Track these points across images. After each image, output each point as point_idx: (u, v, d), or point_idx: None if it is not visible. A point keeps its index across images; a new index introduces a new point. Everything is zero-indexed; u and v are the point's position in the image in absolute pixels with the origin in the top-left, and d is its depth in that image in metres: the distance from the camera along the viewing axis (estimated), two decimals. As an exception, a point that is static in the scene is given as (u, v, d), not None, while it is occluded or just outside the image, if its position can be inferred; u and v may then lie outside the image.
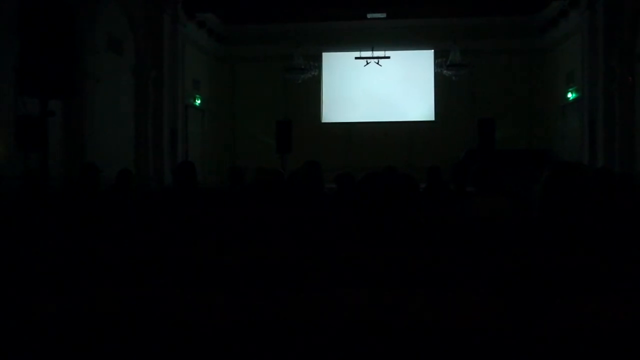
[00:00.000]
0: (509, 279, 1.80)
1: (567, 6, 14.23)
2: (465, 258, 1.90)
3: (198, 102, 16.00)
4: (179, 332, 1.39)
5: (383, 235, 2.43)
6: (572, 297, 1.46)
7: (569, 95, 14.87)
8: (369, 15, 16.46)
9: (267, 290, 1.77)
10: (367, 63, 16.05)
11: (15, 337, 1.41)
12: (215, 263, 1.99)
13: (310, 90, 17.30)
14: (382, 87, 17.31)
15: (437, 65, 16.81)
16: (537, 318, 1.32)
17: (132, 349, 1.39)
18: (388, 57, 15.91)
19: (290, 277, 1.89)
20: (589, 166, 11.40)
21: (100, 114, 10.56)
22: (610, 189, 4.67)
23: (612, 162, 11.66)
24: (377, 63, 15.99)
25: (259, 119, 16.97)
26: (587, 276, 1.76)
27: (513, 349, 1.27)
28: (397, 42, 16.56)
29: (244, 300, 1.49)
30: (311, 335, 1.33)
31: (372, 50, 15.92)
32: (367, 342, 1.31)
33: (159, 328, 1.41)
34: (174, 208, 3.78)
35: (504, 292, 1.75)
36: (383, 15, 16.45)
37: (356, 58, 16.17)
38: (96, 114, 10.38)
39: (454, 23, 16.09)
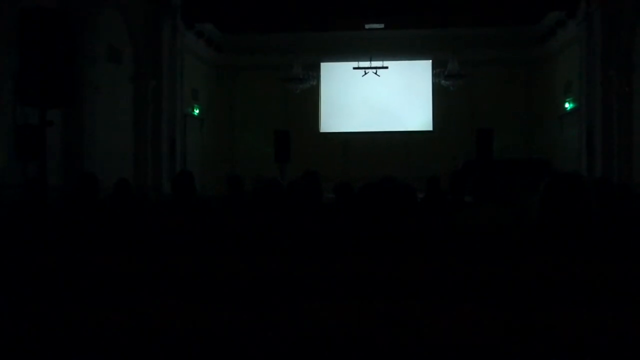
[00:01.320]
0: (508, 289, 1.80)
1: (565, 17, 14.31)
2: (464, 268, 1.90)
3: (197, 111, 16.02)
4: (176, 340, 1.39)
5: (382, 245, 2.43)
6: (572, 306, 1.46)
7: (567, 105, 14.91)
8: (367, 26, 16.52)
9: (265, 300, 1.76)
10: (365, 73, 16.09)
11: (12, 345, 1.41)
12: (214, 272, 1.99)
13: (309, 100, 17.33)
14: (380, 97, 17.35)
15: (435, 75, 16.85)
16: (536, 327, 1.32)
17: (130, 356, 1.39)
18: (386, 67, 15.96)
19: (288, 287, 1.89)
20: (587, 176, 11.44)
21: (99, 123, 10.56)
22: (608, 198, 4.67)
23: (610, 171, 11.67)
24: (375, 73, 16.03)
25: (257, 128, 17.00)
26: (586, 285, 1.76)
27: (513, 357, 1.27)
28: (395, 52, 16.62)
29: (242, 310, 1.49)
30: (309, 345, 1.33)
31: (370, 60, 15.97)
32: (366, 352, 1.31)
33: (157, 337, 1.40)
34: (173, 218, 3.78)
35: (503, 302, 1.75)
36: (381, 25, 16.51)
37: (354, 68, 16.22)
38: (95, 123, 10.38)
39: (452, 33, 16.15)
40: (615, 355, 1.26)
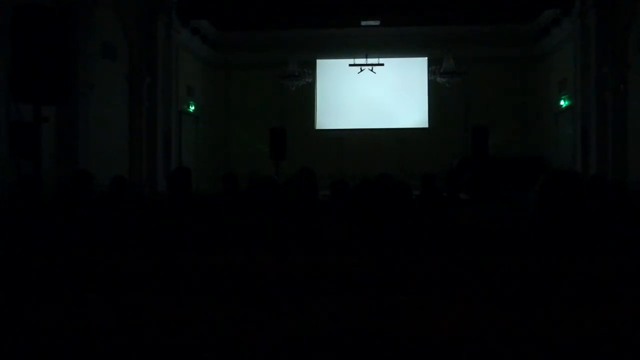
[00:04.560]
0: (503, 286, 1.80)
1: (560, 15, 14.35)
2: (459, 265, 1.90)
3: (192, 108, 15.98)
4: (171, 337, 1.38)
5: (377, 243, 2.43)
6: (567, 303, 1.46)
7: (562, 102, 14.95)
8: (363, 23, 16.52)
9: (260, 297, 1.76)
10: (361, 70, 16.09)
11: (9, 343, 1.40)
12: (209, 270, 1.98)
13: (304, 97, 17.31)
14: (376, 94, 17.35)
15: (431, 72, 16.87)
16: (531, 323, 1.32)
17: (125, 354, 1.38)
18: (382, 65, 15.96)
19: (284, 285, 1.89)
20: (582, 173, 11.47)
21: (93, 120, 10.53)
22: (603, 196, 4.69)
23: (605, 169, 11.71)
24: (371, 70, 16.03)
25: (253, 125, 16.99)
26: (581, 282, 1.77)
27: (507, 355, 1.27)
28: (391, 49, 16.62)
29: (238, 308, 1.49)
30: (303, 343, 1.33)
31: (366, 57, 15.96)
32: (361, 348, 1.31)
33: (153, 334, 1.40)
34: (169, 215, 3.77)
35: (498, 299, 1.75)
36: (377, 22, 16.51)
37: (350, 65, 16.21)
38: (90, 120, 10.34)
39: (448, 31, 16.19)
40: (611, 351, 1.26)
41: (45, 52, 4.72)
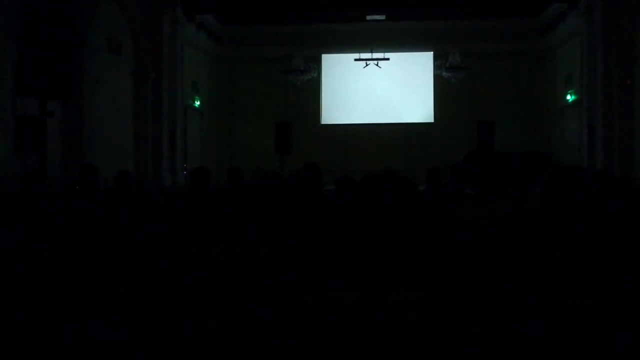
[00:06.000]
0: (508, 281, 1.80)
1: (566, 9, 14.26)
2: (464, 260, 1.90)
3: (197, 103, 16.00)
4: (176, 332, 1.39)
5: (382, 237, 2.43)
6: (571, 299, 1.46)
7: (568, 97, 14.89)
8: (369, 17, 16.47)
9: (265, 292, 1.76)
10: (367, 65, 16.06)
11: (14, 338, 1.41)
12: (214, 264, 1.99)
13: (310, 92, 17.30)
14: (381, 88, 17.32)
15: (437, 67, 16.82)
16: (535, 319, 1.32)
17: (132, 348, 1.39)
18: (387, 59, 15.93)
19: (289, 279, 1.89)
20: (587, 169, 11.42)
21: (99, 115, 10.55)
22: (608, 192, 4.66)
23: (611, 164, 11.66)
24: (377, 65, 16.00)
25: (258, 120, 16.99)
26: (586, 277, 1.76)
27: (511, 350, 1.27)
28: (397, 44, 16.58)
29: (243, 301, 1.49)
30: (309, 337, 1.33)
31: (372, 52, 15.93)
32: (365, 344, 1.31)
33: (155, 328, 1.41)
34: (178, 210, 3.78)
35: (503, 294, 1.75)
36: (382, 17, 16.46)
37: (355, 60, 16.18)
38: (95, 115, 10.37)
39: (453, 25, 16.12)
40: (614, 343, 1.26)
41: (50, 47, 4.74)
